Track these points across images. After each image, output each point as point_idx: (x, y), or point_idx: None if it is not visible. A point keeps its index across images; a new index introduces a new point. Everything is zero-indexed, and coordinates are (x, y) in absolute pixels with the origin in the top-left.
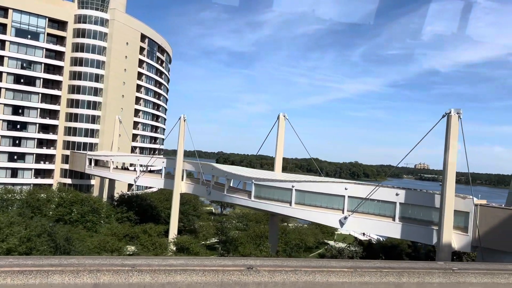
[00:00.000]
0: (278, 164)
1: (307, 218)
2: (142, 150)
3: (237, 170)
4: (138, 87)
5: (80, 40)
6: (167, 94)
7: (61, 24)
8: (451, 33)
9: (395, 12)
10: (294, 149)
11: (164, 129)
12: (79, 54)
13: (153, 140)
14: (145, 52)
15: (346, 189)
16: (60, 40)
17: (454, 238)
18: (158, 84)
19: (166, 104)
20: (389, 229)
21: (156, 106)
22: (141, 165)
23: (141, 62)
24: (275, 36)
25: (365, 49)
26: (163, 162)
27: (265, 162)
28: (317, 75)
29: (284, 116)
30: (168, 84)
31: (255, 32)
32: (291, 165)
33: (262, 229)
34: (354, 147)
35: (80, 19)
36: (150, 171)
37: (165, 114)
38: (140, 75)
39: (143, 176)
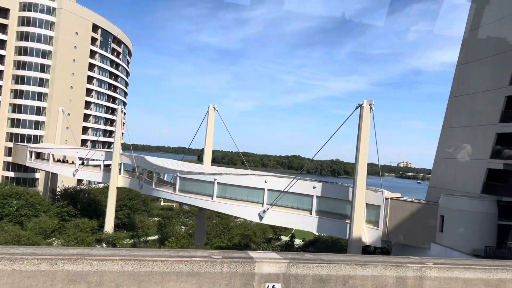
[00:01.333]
0: (207, 157)
1: (228, 212)
2: (95, 143)
3: (165, 163)
4: (90, 79)
5: (25, 28)
6: (126, 87)
7: (3, 11)
8: (436, 33)
9: (383, 11)
10: (277, 146)
11: (124, 123)
12: (24, 43)
13: (109, 133)
14: (97, 43)
15: (265, 182)
16: (2, 28)
17: (366, 232)
18: (114, 76)
19: (125, 98)
20: (306, 222)
21: (112, 99)
22: (80, 158)
23: (93, 53)
24: (262, 33)
25: (351, 47)
26: (102, 155)
27: (247, 159)
28: (304, 73)
29: (214, 108)
30: (127, 77)
31: (242, 29)
32: (272, 162)
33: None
34: (337, 144)
35: (24, 7)
36: (98, 165)
37: (125, 108)
38: (92, 66)
39: (81, 169)
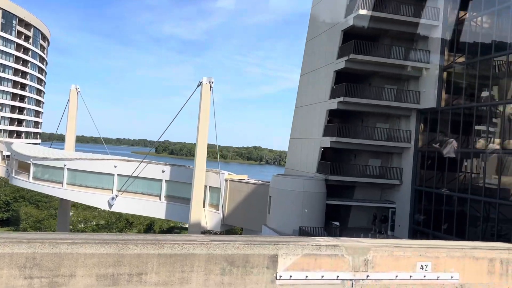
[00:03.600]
0: (69, 142)
1: (78, 200)
2: None
3: (24, 149)
4: None
5: None
6: (43, 75)
7: None
8: None
9: None
10: (239, 137)
11: (41, 112)
12: None
13: (19, 122)
14: None
15: (115, 167)
16: None
17: (207, 216)
18: (23, 62)
19: (42, 86)
20: (155, 209)
21: (21, 85)
22: None
23: None
24: (227, 25)
25: None
26: None
27: (208, 150)
28: (269, 64)
29: (76, 89)
30: (44, 64)
31: (207, 20)
32: (231, 153)
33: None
34: None
35: None
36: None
37: (42, 96)
38: None
39: None
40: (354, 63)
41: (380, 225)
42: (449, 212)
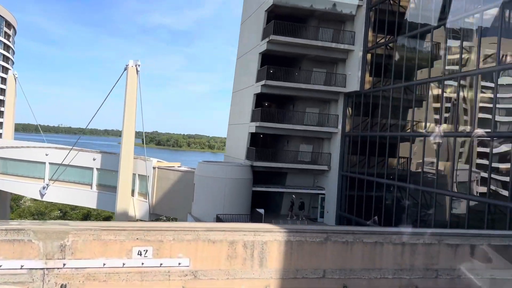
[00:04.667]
0: (8, 130)
1: (10, 189)
2: None
3: None
4: None
5: None
6: (8, 63)
7: None
8: None
9: None
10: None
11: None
12: None
13: None
14: None
15: (47, 155)
16: None
17: (136, 206)
18: None
19: (7, 74)
20: (87, 198)
21: None
22: None
23: None
24: (217, 15)
25: None
26: None
27: (194, 141)
28: None
29: (14, 75)
30: (10, 52)
31: (197, 10)
32: (219, 144)
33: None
34: None
35: None
36: None
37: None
38: None
39: None
40: (275, 44)
41: (297, 211)
42: (372, 198)
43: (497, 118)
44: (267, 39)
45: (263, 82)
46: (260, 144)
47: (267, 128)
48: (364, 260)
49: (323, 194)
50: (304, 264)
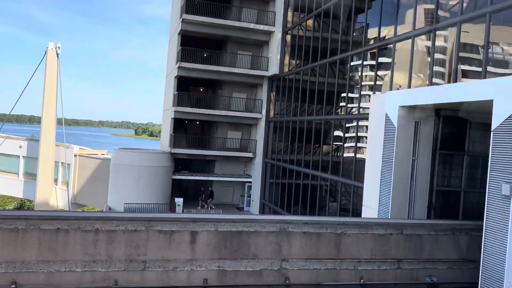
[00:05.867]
0: None
1: None
2: None
3: None
4: None
5: None
6: None
7: None
8: None
9: None
10: None
11: None
12: None
13: None
14: None
15: None
16: None
17: (58, 195)
18: None
19: None
20: (14, 187)
21: None
22: None
23: None
24: None
25: None
26: None
27: None
28: None
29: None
30: None
31: None
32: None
33: None
34: None
35: None
36: None
37: None
38: None
39: None
40: (191, 25)
41: (206, 200)
42: (292, 186)
43: None
44: (181, 19)
45: (178, 64)
46: (188, 131)
47: (186, 113)
48: (41, 250)
49: (250, 182)
50: None
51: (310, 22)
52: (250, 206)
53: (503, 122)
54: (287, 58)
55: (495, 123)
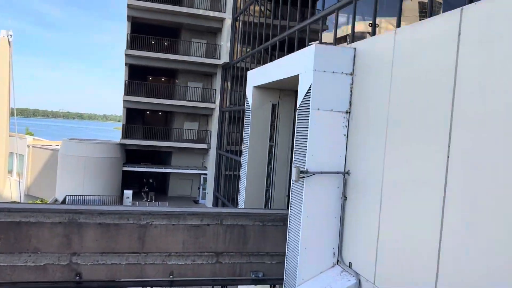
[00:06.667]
0: None
1: None
2: None
3: None
4: None
5: None
6: None
7: None
8: None
9: None
10: None
11: None
12: None
13: None
14: None
15: None
16: None
17: (13, 187)
18: None
19: None
20: None
21: None
22: None
23: None
24: None
25: None
26: None
27: None
28: None
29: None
30: None
31: None
32: None
33: None
34: None
35: None
36: None
37: None
38: None
39: None
40: (137, 10)
41: (147, 193)
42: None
43: None
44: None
45: (126, 52)
46: (147, 122)
47: (139, 103)
48: None
49: (205, 174)
50: None
51: (258, 7)
52: (205, 199)
53: (303, 98)
54: (237, 45)
55: (299, 100)
